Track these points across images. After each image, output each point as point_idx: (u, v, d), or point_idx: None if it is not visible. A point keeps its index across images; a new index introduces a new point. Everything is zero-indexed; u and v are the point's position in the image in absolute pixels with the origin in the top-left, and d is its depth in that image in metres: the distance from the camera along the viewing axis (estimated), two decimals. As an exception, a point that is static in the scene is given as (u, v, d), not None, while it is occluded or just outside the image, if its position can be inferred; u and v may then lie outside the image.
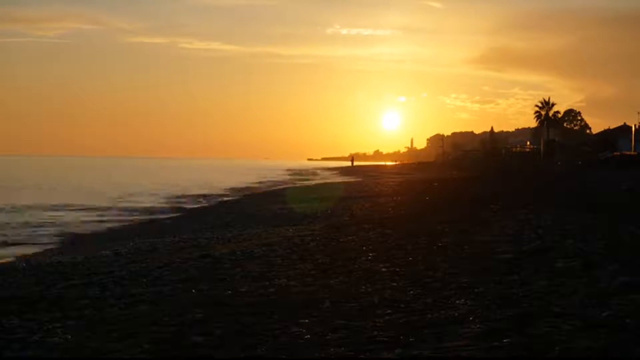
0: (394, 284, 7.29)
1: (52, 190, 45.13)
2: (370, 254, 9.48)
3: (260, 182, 60.90)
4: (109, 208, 29.74)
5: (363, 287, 7.25)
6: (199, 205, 31.90)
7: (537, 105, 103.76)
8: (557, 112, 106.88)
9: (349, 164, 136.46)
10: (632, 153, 65.51)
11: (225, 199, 36.80)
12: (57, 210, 28.56)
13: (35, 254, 15.13)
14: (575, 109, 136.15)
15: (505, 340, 4.74)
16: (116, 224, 22.96)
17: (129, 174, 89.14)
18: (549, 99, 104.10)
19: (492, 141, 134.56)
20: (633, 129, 76.68)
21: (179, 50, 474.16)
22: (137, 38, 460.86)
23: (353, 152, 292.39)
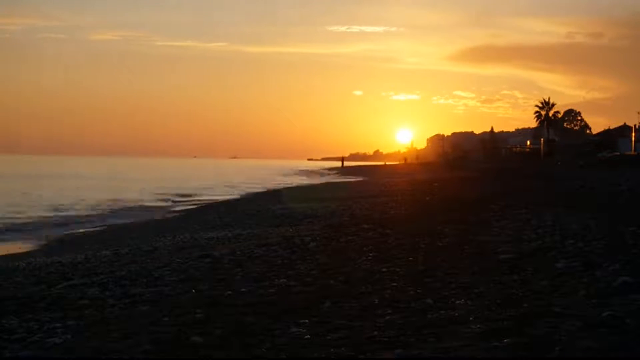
0: (394, 284, 7.28)
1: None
2: (370, 254, 9.47)
3: (260, 184, 60.90)
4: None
5: (363, 287, 7.24)
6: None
7: (537, 106, 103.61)
8: (557, 112, 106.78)
9: (347, 164, 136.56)
10: (632, 153, 65.37)
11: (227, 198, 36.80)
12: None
13: (35, 255, 15.10)
14: (575, 108, 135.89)
15: (505, 340, 4.74)
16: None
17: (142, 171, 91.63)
18: (549, 99, 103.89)
19: (492, 141, 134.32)
20: (633, 129, 76.53)
21: (156, 48, 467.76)
22: (96, 35, 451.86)
23: (353, 152, 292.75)
